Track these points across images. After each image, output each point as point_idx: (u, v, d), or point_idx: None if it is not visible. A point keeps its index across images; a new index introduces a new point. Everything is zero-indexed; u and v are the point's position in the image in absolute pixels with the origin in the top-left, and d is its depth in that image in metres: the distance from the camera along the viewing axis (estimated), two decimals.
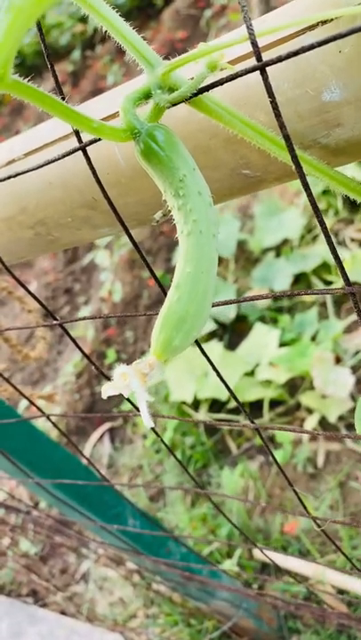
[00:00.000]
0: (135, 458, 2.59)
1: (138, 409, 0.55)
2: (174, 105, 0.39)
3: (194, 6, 5.13)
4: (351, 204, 2.70)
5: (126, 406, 2.73)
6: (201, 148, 0.44)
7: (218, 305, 0.51)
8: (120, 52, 5.11)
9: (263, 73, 0.34)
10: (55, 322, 0.67)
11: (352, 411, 2.14)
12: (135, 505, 1.33)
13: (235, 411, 2.41)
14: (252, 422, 0.64)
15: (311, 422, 2.19)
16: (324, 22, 0.35)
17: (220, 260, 2.93)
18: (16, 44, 0.29)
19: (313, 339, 2.39)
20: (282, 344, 2.42)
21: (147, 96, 0.39)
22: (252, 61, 0.35)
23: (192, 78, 0.38)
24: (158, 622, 2.03)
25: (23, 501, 1.65)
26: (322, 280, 2.60)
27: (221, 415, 2.41)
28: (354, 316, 2.39)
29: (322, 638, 1.76)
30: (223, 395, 2.34)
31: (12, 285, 0.97)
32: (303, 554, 1.96)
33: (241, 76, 0.36)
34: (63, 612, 2.19)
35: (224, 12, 4.70)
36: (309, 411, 2.25)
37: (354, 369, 2.25)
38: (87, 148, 0.47)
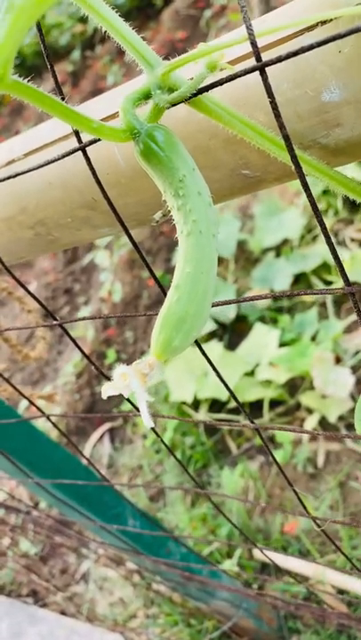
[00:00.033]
0: (135, 458, 2.59)
1: (138, 409, 0.55)
2: (174, 105, 0.39)
3: (193, 6, 5.13)
4: (351, 204, 2.70)
5: (126, 406, 2.73)
6: (201, 148, 0.44)
7: (218, 305, 0.51)
8: (120, 52, 5.11)
9: (263, 73, 0.34)
10: (55, 322, 0.67)
11: (352, 411, 2.14)
12: (135, 505, 1.33)
13: (235, 411, 2.41)
14: (252, 422, 0.64)
15: (311, 422, 2.19)
16: (323, 23, 0.35)
17: (220, 260, 2.93)
18: (16, 45, 0.29)
19: (313, 339, 2.39)
20: (282, 344, 2.42)
21: (146, 96, 0.39)
22: (252, 62, 0.35)
23: (192, 79, 0.38)
24: (158, 622, 2.03)
25: (23, 501, 1.65)
26: (322, 280, 2.60)
27: (221, 415, 2.41)
28: (354, 316, 2.39)
29: (322, 638, 1.76)
30: (223, 395, 2.34)
31: (11, 286, 0.97)
32: (303, 554, 1.96)
33: (240, 76, 0.36)
34: (63, 613, 2.19)
35: (224, 12, 4.70)
36: (309, 411, 2.26)
37: (354, 369, 2.25)
38: (87, 148, 0.47)
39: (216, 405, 2.45)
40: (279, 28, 0.35)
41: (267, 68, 0.34)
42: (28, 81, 0.34)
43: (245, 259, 2.95)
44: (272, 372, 2.30)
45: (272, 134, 0.38)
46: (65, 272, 3.85)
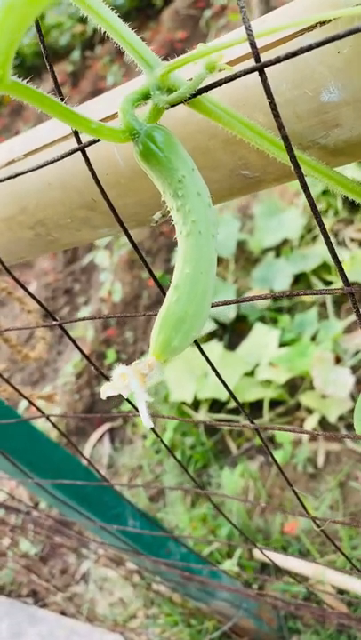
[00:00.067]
0: (135, 458, 2.59)
1: (137, 409, 0.55)
2: (173, 106, 0.39)
3: (193, 6, 5.13)
4: (351, 204, 2.70)
5: (126, 407, 2.73)
6: (200, 148, 0.44)
7: (217, 305, 0.51)
8: (120, 52, 5.11)
9: (262, 74, 0.34)
10: (55, 322, 0.67)
11: (352, 411, 2.14)
12: (135, 505, 1.33)
13: (235, 411, 2.41)
14: (252, 422, 0.64)
15: (311, 422, 2.19)
16: (322, 23, 0.35)
17: (220, 261, 2.93)
18: (12, 45, 0.29)
19: (313, 339, 2.39)
20: (282, 344, 2.42)
21: (146, 97, 0.39)
22: (251, 62, 0.35)
23: (191, 79, 0.38)
24: (158, 622, 2.03)
25: (23, 502, 1.65)
26: (322, 280, 2.60)
27: (221, 415, 2.41)
28: (354, 316, 2.39)
29: (322, 638, 1.76)
30: (223, 395, 2.34)
31: (11, 286, 0.97)
32: (303, 554, 1.96)
33: (239, 76, 0.36)
34: (63, 613, 2.19)
35: (224, 12, 4.70)
36: (309, 411, 2.26)
37: (354, 369, 2.25)
38: (86, 148, 0.47)
39: (216, 405, 2.45)
40: (278, 29, 0.35)
41: (266, 69, 0.34)
42: (28, 81, 0.34)
43: (245, 259, 2.95)
44: (272, 372, 2.30)
45: (271, 135, 0.38)
46: (65, 272, 3.85)
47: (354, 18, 0.33)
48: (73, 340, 0.69)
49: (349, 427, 2.15)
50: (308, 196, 0.38)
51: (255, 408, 2.35)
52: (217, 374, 0.60)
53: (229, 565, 1.96)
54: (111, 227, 0.57)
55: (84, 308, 3.49)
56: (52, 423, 0.90)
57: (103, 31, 0.38)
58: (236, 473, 2.20)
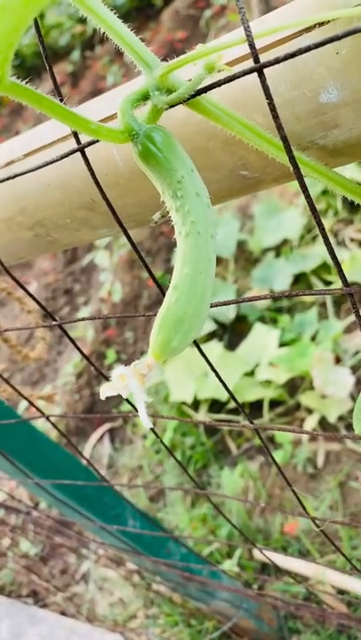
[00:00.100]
0: (135, 458, 2.59)
1: (137, 410, 0.55)
2: (172, 106, 0.39)
3: (193, 7, 5.13)
4: (351, 205, 2.70)
5: (126, 407, 2.73)
6: (199, 149, 0.44)
7: (217, 305, 0.51)
8: (119, 52, 5.10)
9: (261, 75, 0.34)
10: (54, 322, 0.67)
11: (352, 411, 2.14)
12: (135, 505, 1.33)
13: (235, 411, 2.41)
14: (252, 423, 0.64)
15: (311, 422, 2.19)
16: (321, 24, 0.35)
17: (220, 261, 2.93)
18: (10, 46, 0.29)
19: (313, 339, 2.39)
20: (282, 344, 2.42)
21: (145, 97, 0.39)
22: (250, 63, 0.35)
23: (190, 80, 0.38)
24: (158, 623, 2.03)
25: (23, 502, 1.65)
26: (322, 280, 2.60)
27: (221, 415, 2.41)
28: (353, 316, 2.39)
29: (322, 638, 1.76)
30: (223, 395, 2.34)
31: (11, 286, 0.97)
32: (303, 554, 1.96)
33: (238, 77, 0.36)
34: (63, 613, 2.19)
35: (224, 12, 4.70)
36: (309, 411, 2.26)
37: (354, 369, 2.25)
38: (86, 149, 0.47)
39: (216, 405, 2.45)
40: (277, 30, 0.35)
41: (265, 70, 0.34)
42: (27, 82, 0.34)
43: (245, 259, 2.95)
44: (272, 372, 2.30)
45: (270, 135, 0.38)
46: (65, 272, 3.85)
47: (352, 19, 0.33)
48: (73, 341, 0.69)
49: (349, 427, 2.15)
50: (308, 196, 0.38)
51: (255, 408, 2.35)
52: (217, 374, 0.60)
53: (229, 565, 1.96)
54: (110, 227, 0.57)
55: (84, 308, 3.49)
56: (52, 423, 0.90)
57: (103, 31, 0.38)
58: (236, 473, 2.20)
